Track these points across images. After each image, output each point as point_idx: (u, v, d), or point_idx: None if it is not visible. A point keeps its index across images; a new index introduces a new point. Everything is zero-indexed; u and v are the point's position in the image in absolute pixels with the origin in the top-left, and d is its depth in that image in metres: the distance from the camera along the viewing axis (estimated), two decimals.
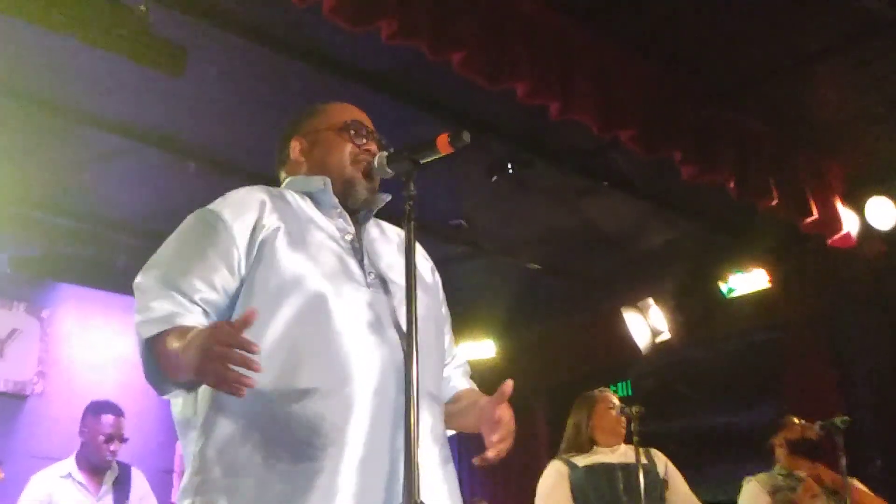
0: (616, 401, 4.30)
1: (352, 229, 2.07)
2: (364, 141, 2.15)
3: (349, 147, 2.14)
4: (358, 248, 2.04)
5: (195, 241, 1.94)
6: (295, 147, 2.20)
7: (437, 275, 2.27)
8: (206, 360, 1.61)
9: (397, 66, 4.48)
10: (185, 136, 5.10)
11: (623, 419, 4.21)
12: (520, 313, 7.79)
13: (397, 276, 2.02)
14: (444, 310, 2.26)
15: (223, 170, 5.25)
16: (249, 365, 1.59)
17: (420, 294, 1.85)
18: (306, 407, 1.78)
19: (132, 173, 5.48)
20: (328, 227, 2.04)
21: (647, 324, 7.36)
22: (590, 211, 6.19)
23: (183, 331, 1.76)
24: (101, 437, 4.68)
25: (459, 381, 2.26)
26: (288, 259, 1.90)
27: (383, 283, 2.00)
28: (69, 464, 4.72)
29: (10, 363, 6.19)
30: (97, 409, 4.78)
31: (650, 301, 7.38)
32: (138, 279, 1.90)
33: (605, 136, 4.52)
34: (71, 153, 5.21)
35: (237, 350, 1.60)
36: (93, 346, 6.53)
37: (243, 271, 1.90)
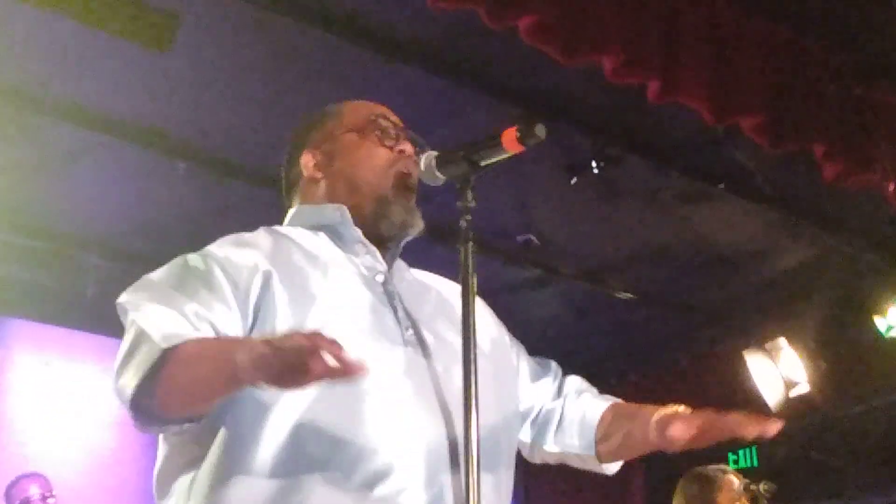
0: (738, 485, 4.27)
1: (383, 268, 2.08)
2: (394, 141, 2.18)
3: (381, 152, 2.16)
4: (392, 294, 2.05)
5: (183, 278, 1.94)
6: (308, 162, 2.22)
7: (502, 325, 2.30)
8: (286, 354, 1.54)
9: (446, 36, 4.51)
10: (173, 129, 5.16)
11: None
12: (608, 356, 7.76)
13: (444, 330, 2.01)
14: (514, 351, 2.26)
15: (221, 170, 5.30)
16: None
17: (489, 349, 1.93)
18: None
19: (105, 177, 5.56)
20: (352, 269, 2.05)
21: (779, 372, 7.29)
22: (700, 222, 6.17)
23: (204, 340, 1.78)
24: None
25: (593, 404, 2.27)
26: (300, 318, 1.89)
27: (422, 339, 2.00)
28: None
29: None
30: (16, 482, 4.92)
31: (782, 342, 7.32)
32: (123, 297, 1.91)
33: (720, 125, 4.50)
34: (27, 152, 5.29)
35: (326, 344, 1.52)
36: (55, 398, 6.59)
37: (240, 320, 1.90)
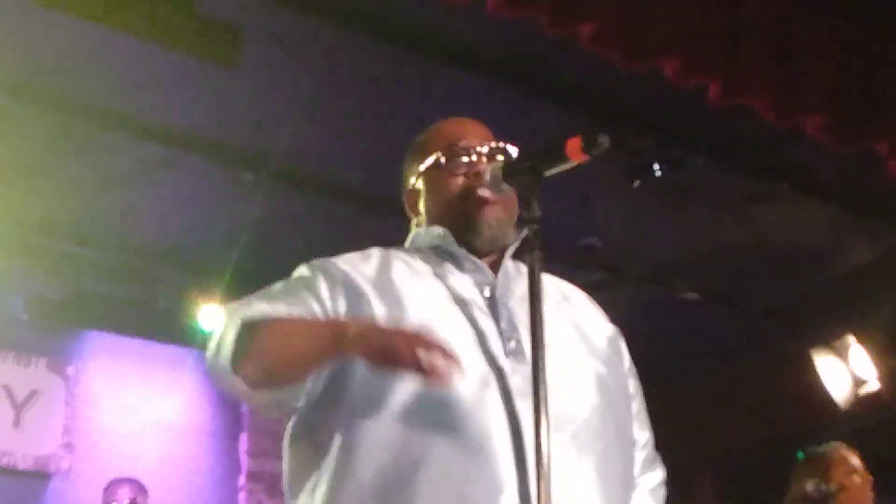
0: (857, 462, 4.25)
1: (491, 281, 2.11)
2: (464, 168, 2.19)
3: (455, 183, 2.19)
4: (498, 306, 2.07)
5: (284, 287, 2.09)
6: (409, 201, 2.31)
7: (621, 342, 2.28)
8: (402, 339, 1.72)
9: (509, 44, 4.52)
10: (240, 142, 5.24)
11: (871, 492, 4.17)
12: (675, 358, 7.71)
13: (554, 341, 1.96)
14: (633, 386, 2.25)
15: (290, 182, 5.34)
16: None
17: (590, 361, 1.93)
18: None
19: (176, 190, 5.64)
20: (459, 284, 2.09)
21: (848, 370, 7.22)
22: (765, 222, 6.13)
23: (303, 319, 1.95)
24: None
25: None
26: (395, 323, 1.93)
27: (524, 349, 1.99)
28: None
29: (31, 434, 6.36)
30: (110, 486, 5.01)
31: (850, 339, 7.24)
32: (224, 310, 2.06)
33: (784, 125, 4.47)
34: (99, 167, 5.39)
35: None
36: (130, 408, 6.67)
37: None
